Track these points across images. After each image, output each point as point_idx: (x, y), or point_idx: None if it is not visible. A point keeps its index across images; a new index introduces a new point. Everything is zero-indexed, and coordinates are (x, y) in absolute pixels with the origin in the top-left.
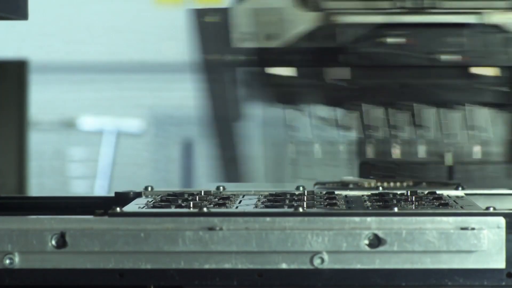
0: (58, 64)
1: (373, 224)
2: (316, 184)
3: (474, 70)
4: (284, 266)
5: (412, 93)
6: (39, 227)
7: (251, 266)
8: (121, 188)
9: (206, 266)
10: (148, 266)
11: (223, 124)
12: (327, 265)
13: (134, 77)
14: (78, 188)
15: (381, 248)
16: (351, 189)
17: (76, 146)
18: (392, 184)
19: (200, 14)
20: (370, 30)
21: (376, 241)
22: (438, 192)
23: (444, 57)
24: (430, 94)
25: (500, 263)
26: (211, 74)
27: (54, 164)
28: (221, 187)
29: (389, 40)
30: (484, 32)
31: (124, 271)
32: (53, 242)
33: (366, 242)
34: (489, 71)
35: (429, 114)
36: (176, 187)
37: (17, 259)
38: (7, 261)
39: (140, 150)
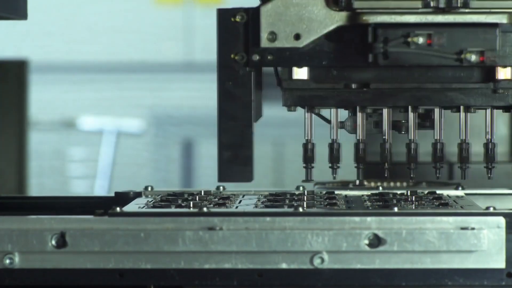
0: (58, 64)
1: (373, 224)
2: (316, 184)
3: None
4: (284, 266)
5: (434, 95)
6: (39, 227)
7: (251, 266)
8: (121, 188)
9: (206, 266)
10: (148, 266)
11: (240, 125)
12: (327, 265)
13: (134, 77)
14: (78, 188)
15: (381, 248)
16: (351, 189)
17: (76, 146)
18: (392, 184)
19: (228, 14)
20: (400, 30)
21: (376, 241)
22: (438, 192)
23: (473, 57)
24: (455, 96)
25: (500, 263)
26: (234, 74)
27: (54, 164)
28: (221, 187)
29: (419, 40)
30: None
31: (124, 271)
32: (53, 242)
33: (366, 242)
34: None
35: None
36: (176, 187)
37: (17, 259)
38: (7, 261)
39: (140, 150)
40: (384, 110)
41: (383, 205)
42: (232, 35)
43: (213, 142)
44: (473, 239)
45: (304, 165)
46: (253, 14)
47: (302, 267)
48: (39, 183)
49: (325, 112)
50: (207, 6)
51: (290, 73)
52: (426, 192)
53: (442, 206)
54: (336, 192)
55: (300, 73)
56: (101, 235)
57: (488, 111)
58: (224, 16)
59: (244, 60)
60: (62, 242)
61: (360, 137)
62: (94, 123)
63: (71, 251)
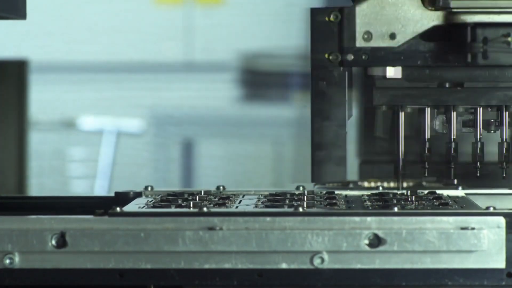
0: (58, 64)
1: (373, 224)
2: (316, 184)
3: None
4: (284, 266)
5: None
6: (39, 227)
7: (251, 266)
8: (121, 188)
9: (206, 266)
10: (148, 266)
11: (333, 124)
12: (327, 265)
13: (134, 77)
14: (78, 188)
15: (381, 248)
16: (351, 189)
17: (76, 146)
18: (392, 184)
19: (321, 14)
20: (500, 30)
21: (376, 241)
22: (438, 192)
23: None
24: None
25: (500, 263)
26: (327, 74)
27: (54, 164)
28: (221, 187)
29: None
30: None
31: (124, 271)
32: (53, 242)
33: (366, 242)
34: None
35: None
36: (176, 187)
37: (17, 259)
38: (7, 261)
39: (140, 150)
40: (477, 109)
41: (383, 205)
42: (326, 35)
43: (213, 142)
44: (473, 239)
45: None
46: (347, 14)
47: (302, 267)
48: (39, 183)
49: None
50: (207, 6)
51: (383, 72)
52: (426, 192)
53: (442, 206)
54: (336, 192)
55: (394, 72)
56: (101, 235)
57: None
58: (318, 15)
59: (338, 60)
60: (62, 242)
61: (452, 136)
62: (94, 123)
63: (71, 251)
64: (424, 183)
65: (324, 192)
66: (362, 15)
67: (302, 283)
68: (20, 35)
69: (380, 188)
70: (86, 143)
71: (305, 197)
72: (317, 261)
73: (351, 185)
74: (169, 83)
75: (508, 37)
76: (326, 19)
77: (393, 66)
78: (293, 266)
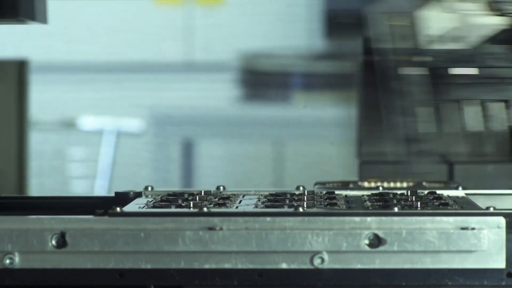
0: (58, 64)
1: (373, 224)
2: (316, 184)
3: None
4: (284, 266)
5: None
6: (39, 227)
7: (251, 266)
8: (121, 188)
9: (206, 266)
10: (148, 266)
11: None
12: (327, 265)
13: (134, 77)
14: (78, 188)
15: (381, 248)
16: (351, 189)
17: (76, 146)
18: (392, 184)
19: (387, 18)
20: None
21: (376, 241)
22: (438, 192)
23: None
24: None
25: (500, 263)
26: (395, 74)
27: (54, 164)
28: (221, 187)
29: None
30: None
31: (124, 271)
32: (53, 242)
33: (366, 242)
34: None
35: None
36: (176, 187)
37: (17, 259)
38: (7, 261)
39: (140, 150)
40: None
41: (383, 205)
42: (400, 37)
43: (213, 142)
44: (473, 239)
45: None
46: (412, 18)
47: (302, 267)
48: (39, 183)
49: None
50: (207, 6)
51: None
52: (426, 192)
53: (442, 206)
54: (336, 192)
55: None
56: (101, 235)
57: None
58: (384, 19)
59: (404, 61)
60: (62, 242)
61: None
62: (94, 123)
63: (71, 251)
64: (424, 183)
65: (324, 192)
66: (429, 20)
67: (302, 283)
68: (20, 35)
69: (380, 188)
70: (86, 143)
71: (305, 197)
72: (317, 261)
73: (351, 185)
74: (169, 83)
75: None
76: (394, 23)
77: (461, 67)
78: (293, 266)
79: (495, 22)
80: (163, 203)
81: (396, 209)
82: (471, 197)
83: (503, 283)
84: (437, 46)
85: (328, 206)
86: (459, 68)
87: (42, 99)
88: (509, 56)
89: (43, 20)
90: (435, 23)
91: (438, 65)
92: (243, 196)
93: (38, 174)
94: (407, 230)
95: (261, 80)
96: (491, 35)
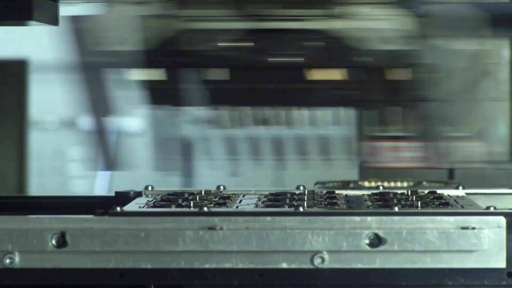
0: (58, 64)
1: (374, 223)
2: (316, 183)
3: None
4: (284, 265)
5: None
6: (39, 227)
7: (251, 266)
8: (121, 188)
9: (207, 266)
10: (149, 266)
11: (97, 119)
12: (327, 264)
13: None
14: (78, 188)
15: (381, 248)
16: (351, 189)
17: (76, 145)
18: (392, 183)
19: (75, 21)
20: (218, 35)
21: (376, 241)
22: (438, 191)
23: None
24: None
25: (500, 263)
26: (86, 74)
27: (54, 163)
28: (221, 187)
29: (238, 44)
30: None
31: (125, 270)
32: (53, 242)
33: (367, 241)
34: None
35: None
36: (176, 187)
37: (17, 258)
38: (7, 261)
39: (140, 150)
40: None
41: (383, 204)
42: (79, 39)
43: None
44: (473, 238)
45: None
46: (97, 21)
47: (303, 267)
48: (39, 183)
49: None
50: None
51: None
52: (426, 191)
53: (443, 206)
54: (337, 191)
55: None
56: (101, 234)
57: None
58: (73, 22)
59: (92, 62)
60: (62, 241)
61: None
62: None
63: (71, 250)
64: (424, 183)
65: (325, 192)
66: (109, 22)
67: (303, 283)
68: (20, 35)
69: (381, 187)
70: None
71: (306, 197)
72: (317, 261)
73: (351, 185)
74: None
75: (228, 42)
76: (80, 25)
77: (143, 68)
78: (293, 266)
79: (167, 25)
80: (163, 203)
81: (396, 209)
82: (471, 197)
83: (504, 283)
84: (118, 48)
85: (328, 206)
86: (145, 69)
87: (42, 99)
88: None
89: (55, 22)
90: (115, 25)
91: (121, 66)
92: (244, 196)
93: (38, 173)
94: (407, 229)
95: None
96: (169, 38)
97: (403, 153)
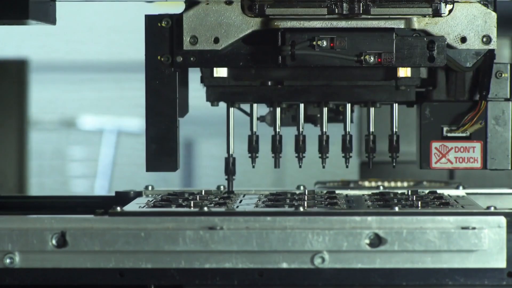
0: (58, 64)
1: (374, 223)
2: (316, 183)
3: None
4: (284, 265)
5: (343, 91)
6: (39, 227)
7: (251, 266)
8: (122, 188)
9: (207, 266)
10: (149, 266)
11: (166, 120)
12: (327, 264)
13: (134, 77)
14: (78, 188)
15: (381, 248)
16: (351, 189)
17: (76, 145)
18: (392, 183)
19: (155, 20)
20: (306, 34)
21: (376, 241)
22: (438, 191)
23: (371, 59)
24: (361, 92)
25: (500, 263)
26: (160, 74)
27: (54, 163)
28: (222, 187)
29: (323, 43)
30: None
31: (125, 270)
32: (54, 242)
33: (367, 241)
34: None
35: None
36: (176, 187)
37: (17, 258)
38: (8, 261)
39: (140, 150)
40: (299, 105)
41: (383, 204)
42: (158, 39)
43: (213, 142)
44: (474, 238)
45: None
46: (177, 20)
47: (303, 267)
48: (39, 183)
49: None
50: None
51: (212, 71)
52: (427, 191)
53: (443, 206)
54: (337, 191)
55: (220, 71)
56: (101, 234)
57: (394, 105)
58: (152, 21)
59: (169, 61)
60: (62, 241)
61: (278, 130)
62: (94, 123)
63: (72, 250)
64: (424, 183)
65: (325, 191)
66: (189, 21)
67: (303, 282)
68: (20, 35)
69: (381, 187)
70: (86, 142)
71: (306, 196)
72: (317, 261)
73: (351, 185)
74: None
75: (314, 41)
76: (159, 24)
77: (218, 67)
78: (293, 266)
79: (248, 23)
80: (163, 203)
81: (396, 209)
82: (471, 197)
83: (504, 282)
84: (194, 47)
85: (328, 206)
86: (215, 67)
87: (42, 99)
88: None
89: (53, 21)
90: (193, 25)
91: (197, 65)
92: (244, 196)
93: (38, 173)
94: (407, 229)
95: None
96: (245, 36)
97: (466, 154)
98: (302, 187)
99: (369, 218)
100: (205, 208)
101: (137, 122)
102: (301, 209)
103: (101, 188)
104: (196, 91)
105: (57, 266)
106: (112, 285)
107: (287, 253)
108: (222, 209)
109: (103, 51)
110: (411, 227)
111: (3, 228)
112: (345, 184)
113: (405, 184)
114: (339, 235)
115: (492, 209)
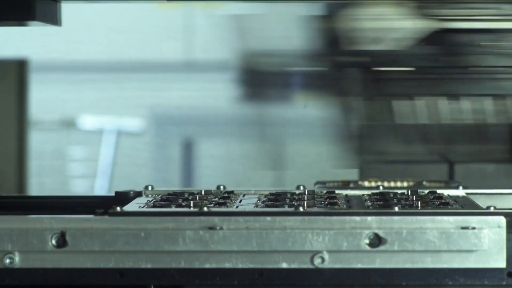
0: (58, 64)
1: (374, 223)
2: (316, 183)
3: None
4: (284, 265)
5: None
6: (39, 227)
7: (251, 266)
8: (121, 188)
9: (207, 266)
10: (149, 266)
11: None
12: (327, 264)
13: (134, 77)
14: (78, 188)
15: (381, 248)
16: (351, 189)
17: (76, 145)
18: (392, 183)
19: (325, 21)
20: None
21: (376, 241)
22: (438, 191)
23: None
24: None
25: (500, 263)
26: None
27: (54, 163)
28: (222, 187)
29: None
30: None
31: (125, 270)
32: (53, 242)
33: (367, 241)
34: None
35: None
36: (176, 187)
37: (17, 258)
38: (7, 261)
39: (140, 150)
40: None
41: (383, 204)
42: (333, 40)
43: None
44: (473, 238)
45: None
46: (341, 21)
47: (303, 267)
48: (39, 183)
49: None
50: (207, 6)
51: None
52: (426, 191)
53: (443, 206)
54: (337, 191)
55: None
56: (101, 234)
57: None
58: (322, 22)
59: (345, 61)
60: (62, 241)
61: None
62: (94, 123)
63: (71, 250)
64: (424, 183)
65: (325, 191)
66: (356, 22)
67: (303, 282)
68: (20, 35)
69: (381, 187)
70: (86, 142)
71: (306, 196)
72: (317, 261)
73: (351, 185)
74: (169, 83)
75: (488, 42)
76: (331, 26)
77: (398, 67)
78: (293, 266)
79: (418, 25)
80: (163, 203)
81: (396, 209)
82: (471, 197)
83: (504, 282)
84: (370, 47)
85: (328, 206)
86: (395, 67)
87: (42, 99)
88: (438, 56)
89: (58, 22)
90: (359, 26)
91: (375, 65)
92: (244, 196)
93: (38, 173)
94: (407, 229)
95: (261, 80)
96: (423, 37)
97: None
98: (302, 187)
99: (369, 218)
100: (205, 208)
101: (137, 122)
102: (301, 209)
103: (101, 188)
104: (196, 91)
105: (57, 266)
106: (112, 285)
107: (287, 253)
108: (222, 209)
109: (103, 51)
110: (411, 227)
111: (3, 228)
112: (345, 184)
113: (405, 184)
114: (339, 235)
115: (492, 209)
